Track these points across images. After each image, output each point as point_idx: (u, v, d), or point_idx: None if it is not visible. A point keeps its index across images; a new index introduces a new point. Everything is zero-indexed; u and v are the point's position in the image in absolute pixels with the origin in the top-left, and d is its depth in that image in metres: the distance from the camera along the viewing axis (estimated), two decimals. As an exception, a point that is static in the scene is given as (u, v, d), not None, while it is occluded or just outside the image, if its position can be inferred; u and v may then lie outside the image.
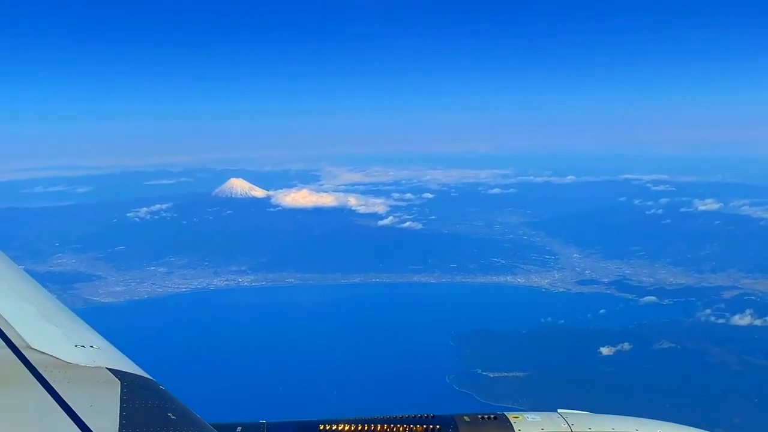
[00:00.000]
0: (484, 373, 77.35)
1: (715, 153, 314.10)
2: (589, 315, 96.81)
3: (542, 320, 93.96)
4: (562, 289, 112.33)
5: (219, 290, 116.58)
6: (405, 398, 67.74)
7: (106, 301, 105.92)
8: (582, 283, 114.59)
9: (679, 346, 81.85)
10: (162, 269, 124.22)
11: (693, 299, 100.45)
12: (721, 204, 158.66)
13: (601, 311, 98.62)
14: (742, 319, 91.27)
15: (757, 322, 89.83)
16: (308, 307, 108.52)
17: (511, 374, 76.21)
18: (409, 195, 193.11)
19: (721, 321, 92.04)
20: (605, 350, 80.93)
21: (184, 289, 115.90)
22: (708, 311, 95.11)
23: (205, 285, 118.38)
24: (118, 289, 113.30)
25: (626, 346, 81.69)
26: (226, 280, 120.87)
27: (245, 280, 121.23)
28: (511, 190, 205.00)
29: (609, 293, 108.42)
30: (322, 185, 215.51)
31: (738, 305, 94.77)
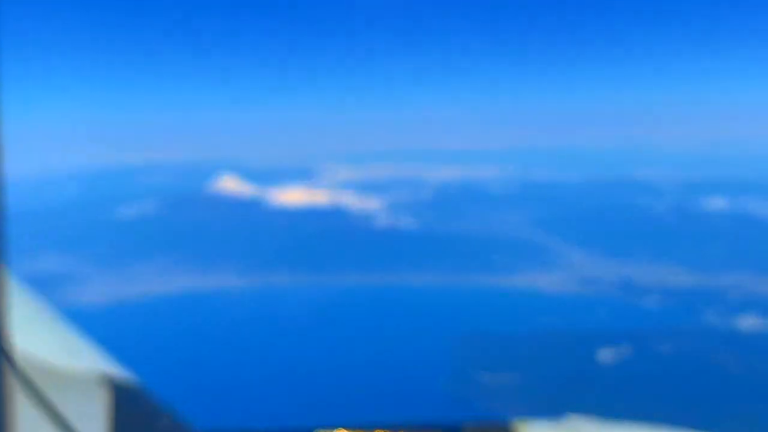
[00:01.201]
0: (480, 376, 75.07)
1: (725, 150, 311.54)
2: (589, 316, 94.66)
3: (541, 322, 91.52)
4: (562, 290, 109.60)
5: (208, 291, 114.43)
6: (399, 402, 65.69)
7: (92, 302, 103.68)
8: (583, 283, 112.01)
9: (680, 348, 79.49)
10: (150, 269, 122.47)
11: (697, 300, 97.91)
12: (730, 202, 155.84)
13: (602, 313, 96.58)
14: (746, 321, 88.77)
15: (762, 324, 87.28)
16: (301, 308, 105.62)
17: (507, 377, 74.06)
18: (407, 193, 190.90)
19: (725, 324, 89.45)
20: (605, 353, 78.39)
21: (171, 290, 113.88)
22: (711, 312, 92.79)
23: (193, 285, 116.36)
24: (104, 289, 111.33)
25: (626, 348, 79.22)
26: (216, 280, 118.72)
27: (236, 281, 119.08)
28: (514, 187, 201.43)
29: (611, 294, 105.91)
30: (317, 183, 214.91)
31: (743, 307, 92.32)
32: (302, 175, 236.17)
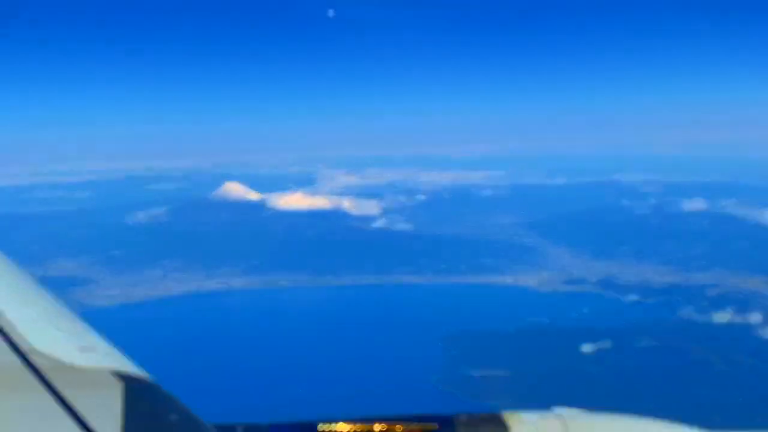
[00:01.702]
0: (469, 372, 78.81)
1: (705, 153, 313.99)
2: (573, 314, 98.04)
3: (528, 319, 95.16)
4: (549, 289, 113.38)
5: (212, 293, 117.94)
6: (394, 395, 68.52)
7: (102, 304, 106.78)
8: (569, 282, 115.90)
9: (659, 344, 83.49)
10: (157, 272, 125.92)
11: (677, 297, 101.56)
12: (709, 203, 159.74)
13: (585, 310, 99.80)
14: (722, 317, 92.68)
15: (738, 320, 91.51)
16: (300, 308, 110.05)
17: (494, 373, 77.51)
18: (402, 197, 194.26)
19: (702, 318, 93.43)
20: (586, 348, 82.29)
21: (177, 292, 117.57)
22: (690, 309, 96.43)
23: (198, 288, 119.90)
24: (113, 292, 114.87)
25: (607, 344, 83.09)
26: (219, 283, 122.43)
27: (238, 283, 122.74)
28: (504, 191, 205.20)
29: (595, 292, 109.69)
30: (317, 187, 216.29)
31: (720, 303, 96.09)
32: (303, 180, 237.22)
